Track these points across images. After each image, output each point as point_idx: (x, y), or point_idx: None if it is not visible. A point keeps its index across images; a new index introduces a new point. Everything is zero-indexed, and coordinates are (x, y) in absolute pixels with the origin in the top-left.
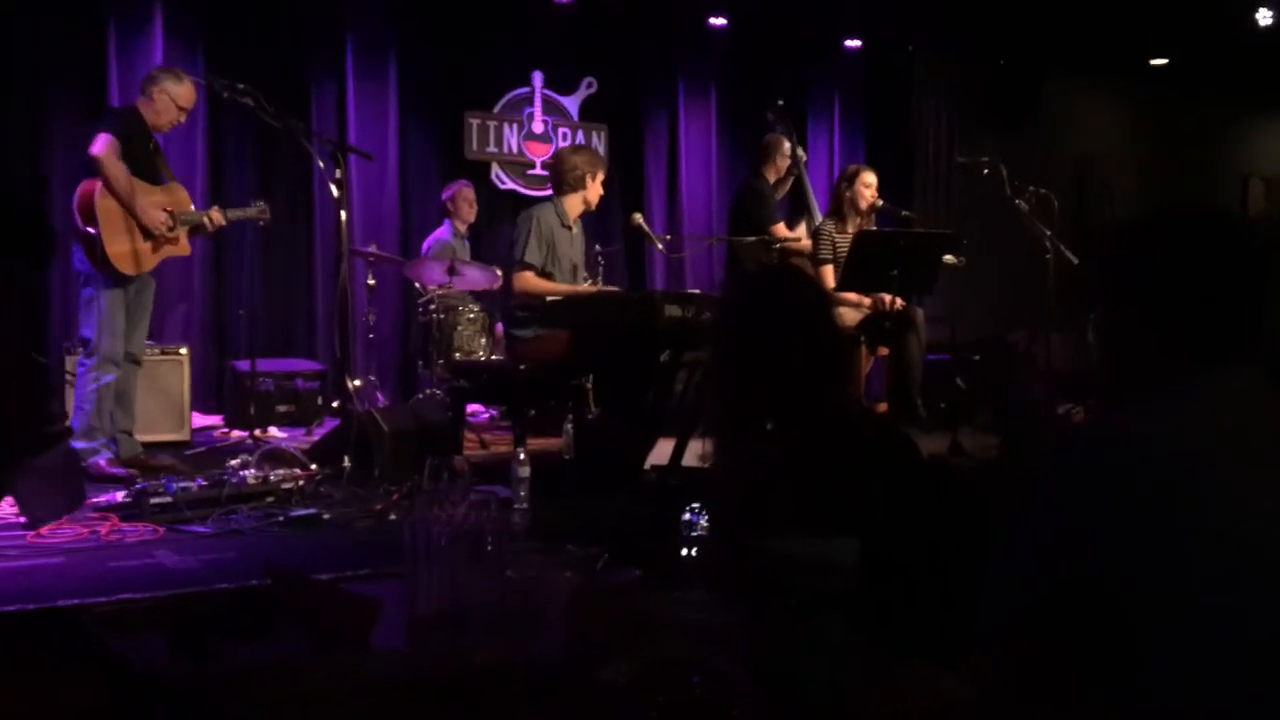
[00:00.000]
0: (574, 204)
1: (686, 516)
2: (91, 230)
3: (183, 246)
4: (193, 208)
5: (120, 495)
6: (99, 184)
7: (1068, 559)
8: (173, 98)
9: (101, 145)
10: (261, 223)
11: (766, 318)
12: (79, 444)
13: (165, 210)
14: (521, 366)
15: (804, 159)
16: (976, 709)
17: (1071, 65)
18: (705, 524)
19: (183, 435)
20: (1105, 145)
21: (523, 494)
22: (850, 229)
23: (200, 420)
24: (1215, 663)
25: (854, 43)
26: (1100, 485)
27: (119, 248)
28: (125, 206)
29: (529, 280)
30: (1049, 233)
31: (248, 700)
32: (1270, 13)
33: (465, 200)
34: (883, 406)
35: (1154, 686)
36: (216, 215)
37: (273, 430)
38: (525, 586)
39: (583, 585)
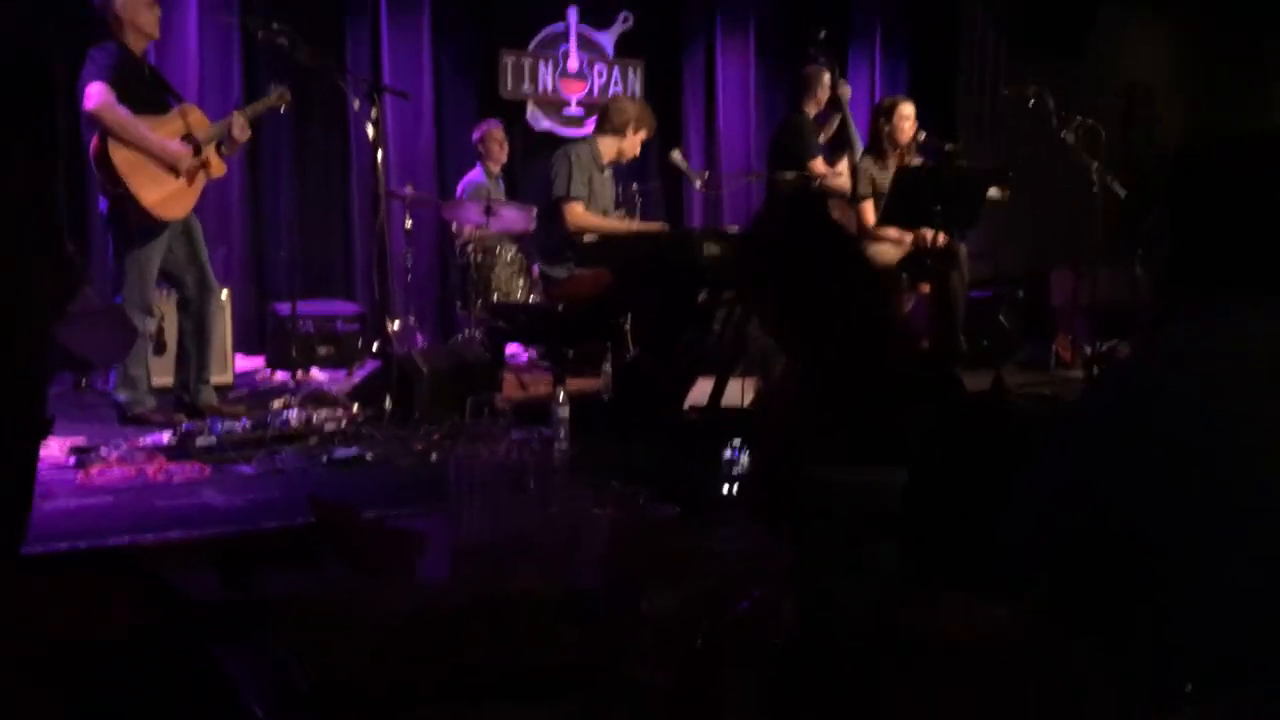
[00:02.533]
0: (609, 147)
1: (728, 454)
2: (120, 190)
3: (217, 166)
4: (209, 124)
5: (166, 436)
6: (109, 138)
7: (1094, 483)
8: (136, 3)
9: (95, 99)
10: (283, 108)
11: (791, 237)
12: (120, 396)
13: (183, 137)
14: (559, 306)
15: (847, 94)
16: (1018, 638)
17: None
18: (746, 460)
19: (226, 378)
20: (1156, 75)
21: (563, 434)
22: (890, 163)
23: (243, 363)
24: (1239, 583)
25: None
26: (1126, 408)
27: (154, 196)
28: (142, 152)
29: (580, 214)
30: (1096, 164)
31: (295, 625)
32: None
33: (495, 140)
34: (925, 343)
35: (1182, 609)
36: (238, 119)
37: (314, 372)
38: (566, 520)
39: (622, 519)
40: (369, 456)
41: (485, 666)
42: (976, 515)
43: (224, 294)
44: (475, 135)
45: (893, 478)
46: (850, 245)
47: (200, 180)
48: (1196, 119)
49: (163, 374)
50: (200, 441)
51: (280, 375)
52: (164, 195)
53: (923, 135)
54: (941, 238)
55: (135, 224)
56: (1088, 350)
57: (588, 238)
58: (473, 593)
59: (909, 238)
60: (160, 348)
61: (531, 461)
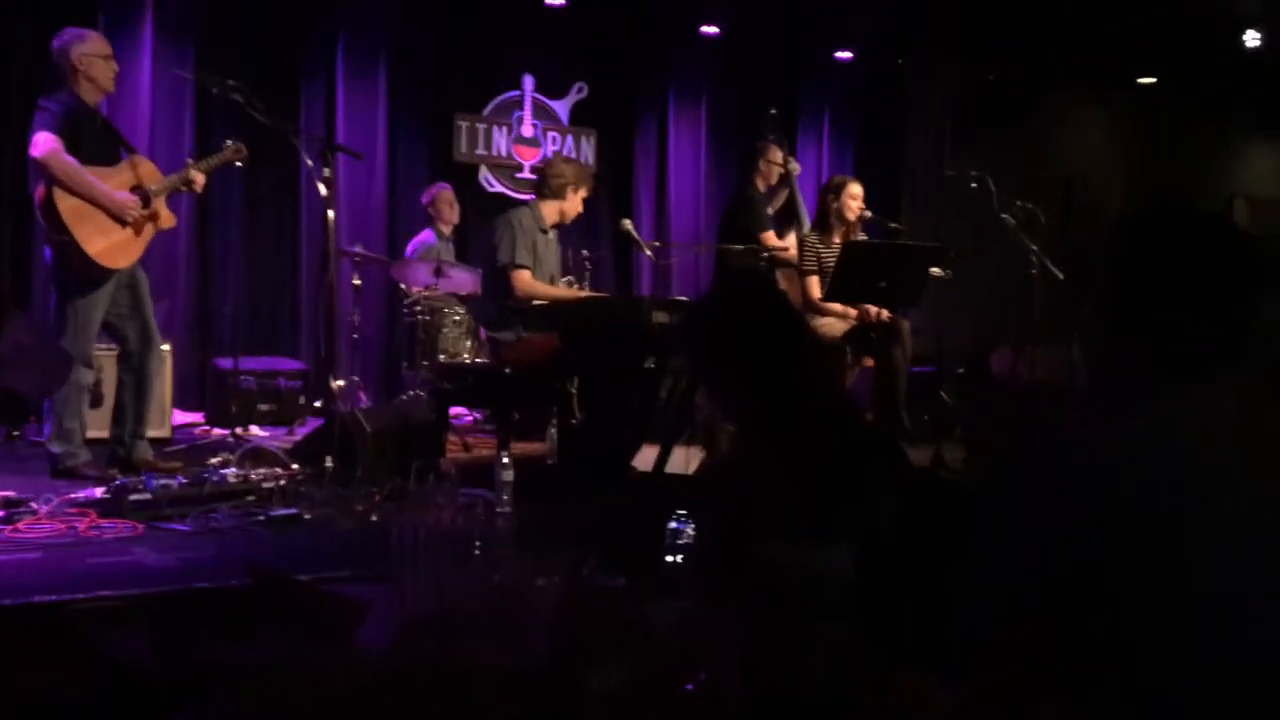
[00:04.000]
0: (551, 211)
1: (673, 524)
2: (64, 238)
3: (166, 218)
4: (160, 176)
5: (99, 491)
6: (55, 186)
7: (1049, 563)
8: (93, 54)
9: (42, 147)
10: (240, 163)
11: (737, 318)
12: (55, 448)
13: (133, 188)
14: (506, 370)
15: (796, 170)
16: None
17: (1061, 81)
18: (691, 532)
19: (164, 432)
20: (1092, 161)
21: (506, 497)
22: (835, 239)
23: (181, 417)
24: (1203, 665)
25: (845, 54)
26: (1087, 488)
27: (99, 245)
28: (89, 201)
29: (528, 281)
30: (1035, 248)
31: (236, 695)
32: (1257, 34)
33: (445, 202)
34: (868, 417)
35: (1145, 689)
36: (191, 173)
37: (254, 429)
38: (513, 591)
39: (570, 590)
40: (307, 516)
41: None
42: (928, 596)
43: (165, 347)
44: (424, 199)
45: (844, 557)
46: (797, 320)
47: (148, 232)
48: (1132, 204)
49: (98, 427)
50: (134, 498)
51: (219, 432)
52: (109, 245)
53: (868, 214)
54: (885, 314)
55: (78, 272)
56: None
57: (536, 303)
58: (417, 663)
59: (854, 312)
60: (97, 400)
61: (477, 529)
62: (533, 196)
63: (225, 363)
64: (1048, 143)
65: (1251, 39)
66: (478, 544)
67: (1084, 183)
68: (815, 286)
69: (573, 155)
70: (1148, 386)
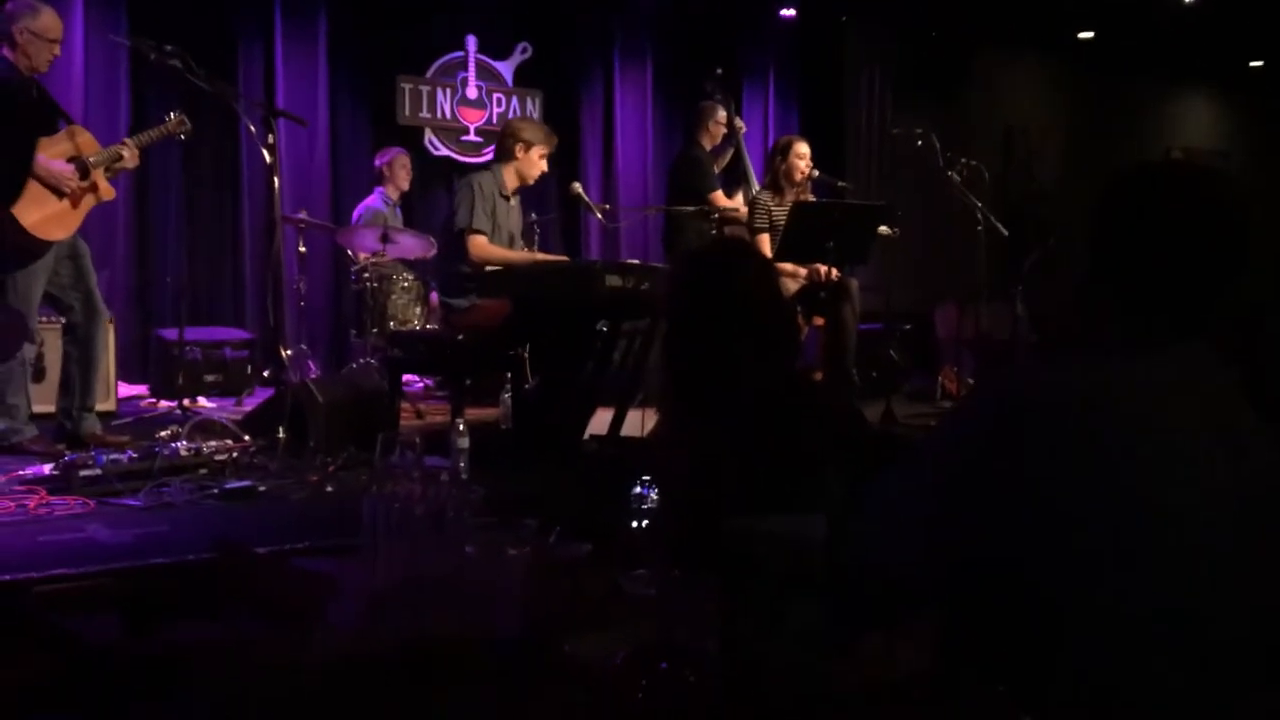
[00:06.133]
0: (510, 173)
1: (637, 489)
2: None
3: (105, 190)
4: (99, 147)
5: (47, 468)
6: None
7: (977, 503)
8: (37, 33)
9: None
10: (182, 135)
11: (715, 291)
12: None
13: (70, 159)
14: (459, 336)
15: (742, 128)
16: (934, 677)
17: (1001, 38)
18: (656, 497)
19: (109, 405)
20: (1032, 116)
21: (463, 465)
22: (786, 199)
23: (126, 390)
24: (1127, 630)
25: (788, 12)
26: (1031, 424)
27: (34, 216)
28: None
29: (483, 246)
30: (980, 204)
31: (205, 676)
32: None
33: (402, 167)
34: (818, 375)
35: (1070, 654)
36: (129, 145)
37: (201, 400)
38: (484, 561)
39: (539, 559)
40: (262, 488)
41: (407, 714)
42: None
43: (107, 318)
44: (380, 160)
45: (813, 526)
46: (767, 282)
47: (87, 203)
48: (1071, 157)
49: (43, 402)
50: (84, 473)
51: (166, 404)
52: (44, 216)
53: (816, 173)
54: (834, 272)
55: (14, 245)
56: (971, 382)
57: (490, 268)
58: (390, 639)
59: (804, 272)
60: (40, 374)
61: (448, 500)
62: (483, 158)
63: (169, 333)
64: (989, 99)
65: None
66: (450, 514)
67: (1025, 135)
68: (766, 245)
69: (517, 116)
70: (1116, 342)
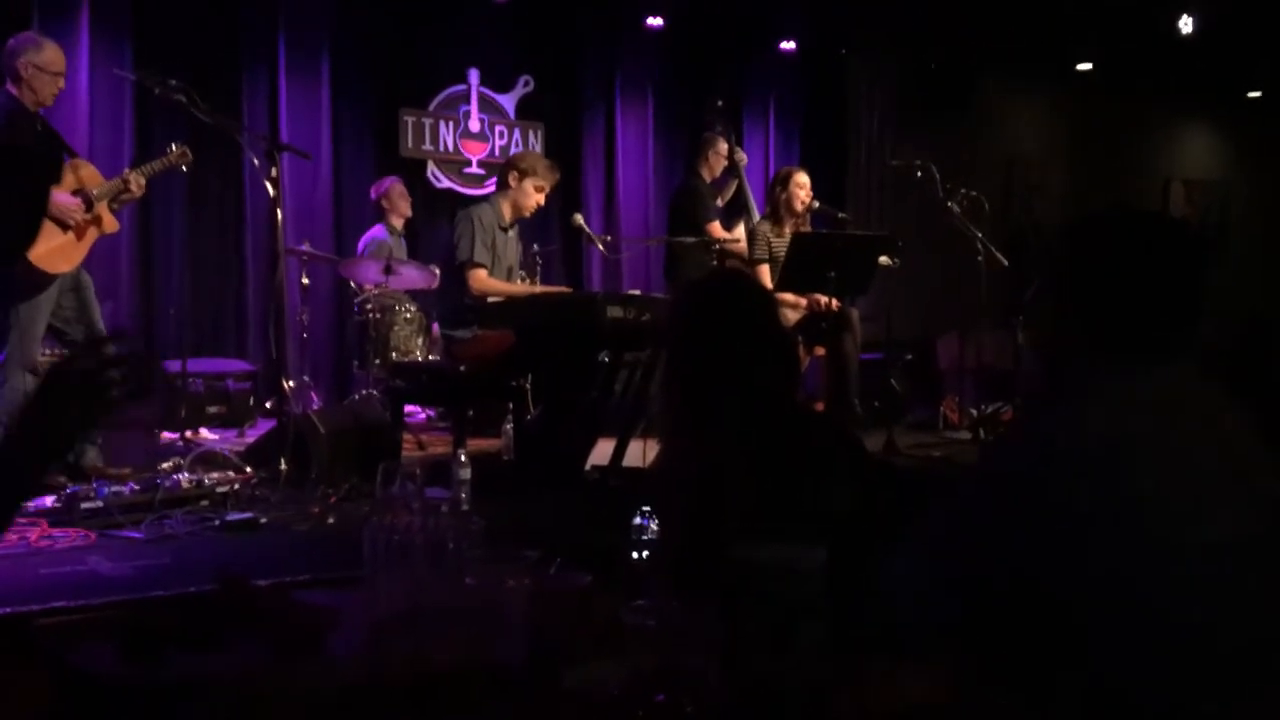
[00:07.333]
0: (505, 205)
1: (637, 520)
2: None
3: (109, 223)
4: (102, 179)
5: (49, 500)
6: None
7: (997, 558)
8: (41, 67)
9: None
10: (185, 167)
11: (716, 322)
12: None
13: (74, 192)
14: (461, 367)
15: (743, 161)
16: (945, 706)
17: (1001, 69)
18: (656, 528)
19: None
20: (1032, 147)
21: (464, 496)
22: (786, 230)
23: None
24: (1148, 653)
25: (789, 45)
26: (1032, 484)
27: (39, 249)
28: None
29: (484, 279)
30: (980, 235)
31: (207, 708)
32: (1191, 20)
33: (400, 195)
34: (820, 405)
35: (1097, 678)
36: (133, 176)
37: (204, 432)
38: (485, 592)
39: (541, 589)
40: (264, 520)
41: None
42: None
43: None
44: (375, 193)
45: (812, 559)
46: (767, 313)
47: (91, 235)
48: (1072, 188)
49: None
50: (85, 505)
51: (168, 435)
52: (50, 248)
53: (816, 204)
54: (835, 303)
55: (19, 277)
56: (973, 412)
57: (491, 299)
58: (394, 669)
59: (804, 302)
60: None
61: (449, 532)
62: (486, 190)
63: (173, 365)
64: (989, 130)
65: (1186, 24)
66: (451, 545)
67: (1025, 166)
68: (766, 276)
69: (520, 149)
70: (1093, 374)
